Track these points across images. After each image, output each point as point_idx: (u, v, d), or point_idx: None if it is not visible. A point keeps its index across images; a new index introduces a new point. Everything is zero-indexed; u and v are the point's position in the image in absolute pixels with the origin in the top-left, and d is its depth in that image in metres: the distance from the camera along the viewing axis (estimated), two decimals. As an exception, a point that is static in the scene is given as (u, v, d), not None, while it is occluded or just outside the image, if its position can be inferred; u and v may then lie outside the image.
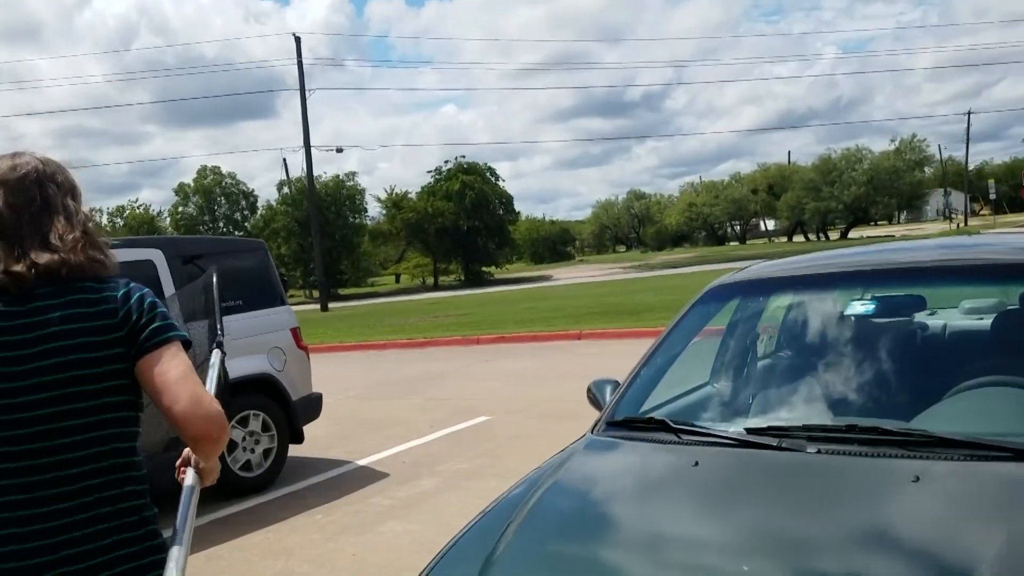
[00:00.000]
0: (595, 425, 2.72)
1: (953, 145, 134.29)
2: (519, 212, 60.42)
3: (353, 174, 54.84)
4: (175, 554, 1.49)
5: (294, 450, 6.47)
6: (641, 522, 2.05)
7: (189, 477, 1.66)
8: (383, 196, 54.92)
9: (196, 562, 4.65)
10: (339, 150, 37.51)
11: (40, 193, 1.61)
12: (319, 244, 36.00)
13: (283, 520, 5.29)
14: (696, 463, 2.16)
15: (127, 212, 63.56)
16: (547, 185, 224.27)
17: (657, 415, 2.57)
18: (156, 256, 5.45)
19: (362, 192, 54.97)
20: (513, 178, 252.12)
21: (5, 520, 1.50)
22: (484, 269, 55.39)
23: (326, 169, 73.32)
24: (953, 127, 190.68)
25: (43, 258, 1.55)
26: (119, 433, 1.60)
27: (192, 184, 62.88)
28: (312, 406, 6.64)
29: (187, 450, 1.67)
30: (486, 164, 55.05)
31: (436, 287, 51.92)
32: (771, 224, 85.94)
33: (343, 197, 53.88)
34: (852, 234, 69.84)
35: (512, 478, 5.60)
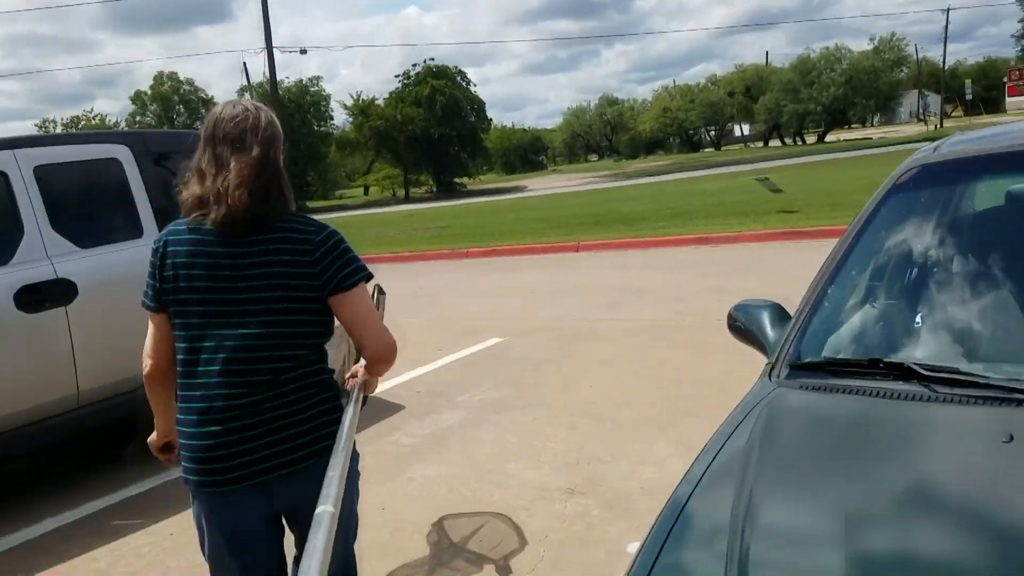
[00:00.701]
0: (773, 368, 1.95)
1: (925, 45, 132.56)
2: (491, 119, 58.70)
3: (318, 79, 52.46)
4: (337, 460, 1.71)
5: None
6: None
7: (356, 387, 2.07)
8: (349, 103, 52.90)
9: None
10: (303, 51, 35.46)
11: (249, 141, 1.91)
12: (286, 153, 34.42)
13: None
14: (1010, 438, 1.40)
15: (82, 123, 60.66)
16: (514, 91, 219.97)
17: (881, 356, 1.80)
18: (122, 153, 4.50)
19: (327, 98, 52.84)
20: (480, 85, 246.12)
21: (239, 405, 1.87)
22: (456, 180, 53.94)
23: (288, 74, 70.11)
24: (924, 27, 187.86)
25: (241, 201, 1.84)
26: (313, 343, 1.96)
27: (149, 92, 59.92)
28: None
29: (357, 365, 2.11)
30: (456, 67, 52.99)
31: (407, 199, 50.65)
32: (746, 129, 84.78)
33: (308, 104, 51.82)
34: (828, 138, 69.08)
35: (547, 409, 4.93)
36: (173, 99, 60.78)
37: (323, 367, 2.01)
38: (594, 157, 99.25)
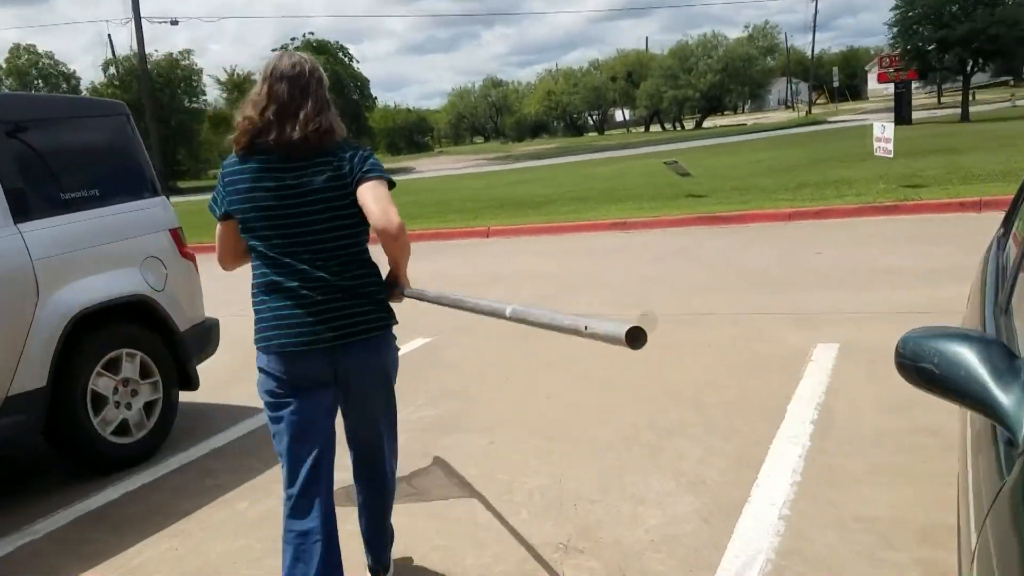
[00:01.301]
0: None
1: (790, 35, 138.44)
2: (375, 97, 56.94)
3: (188, 52, 49.01)
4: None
5: (186, 399, 4.69)
6: None
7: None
8: (223, 78, 50.00)
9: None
10: (174, 22, 33.07)
11: (311, 86, 2.38)
12: (156, 131, 31.91)
13: (189, 515, 3.58)
14: None
15: (-82, 96, 54.66)
16: (394, 71, 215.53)
17: None
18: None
19: (199, 73, 49.62)
20: (359, 63, 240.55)
21: (308, 286, 2.36)
22: (340, 160, 51.93)
23: (156, 48, 65.65)
24: (787, 17, 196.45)
25: (305, 131, 2.32)
26: (361, 234, 2.44)
27: (4, 66, 54.66)
28: (206, 337, 4.84)
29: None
30: (338, 42, 51.02)
31: (289, 179, 48.35)
32: (628, 114, 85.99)
33: (178, 78, 48.44)
34: (706, 124, 70.94)
35: (506, 430, 4.09)
36: (31, 73, 55.68)
37: (370, 259, 2.48)
38: (480, 139, 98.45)
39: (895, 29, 35.52)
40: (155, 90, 43.43)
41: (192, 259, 4.79)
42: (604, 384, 4.64)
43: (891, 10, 35.49)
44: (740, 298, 6.27)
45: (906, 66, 35.80)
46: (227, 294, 9.74)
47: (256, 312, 2.44)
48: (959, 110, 34.32)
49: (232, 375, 5.68)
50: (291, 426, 2.42)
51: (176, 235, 4.68)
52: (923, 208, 9.52)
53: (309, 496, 2.42)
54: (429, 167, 49.39)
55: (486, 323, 6.60)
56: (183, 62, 48.76)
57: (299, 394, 2.41)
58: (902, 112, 35.02)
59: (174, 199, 36.35)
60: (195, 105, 51.30)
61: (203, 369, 4.77)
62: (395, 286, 2.56)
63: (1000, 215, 3.02)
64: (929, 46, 33.92)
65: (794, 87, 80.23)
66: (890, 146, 11.07)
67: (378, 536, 2.77)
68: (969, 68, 34.54)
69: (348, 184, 2.35)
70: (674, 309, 6.14)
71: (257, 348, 2.43)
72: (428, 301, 2.46)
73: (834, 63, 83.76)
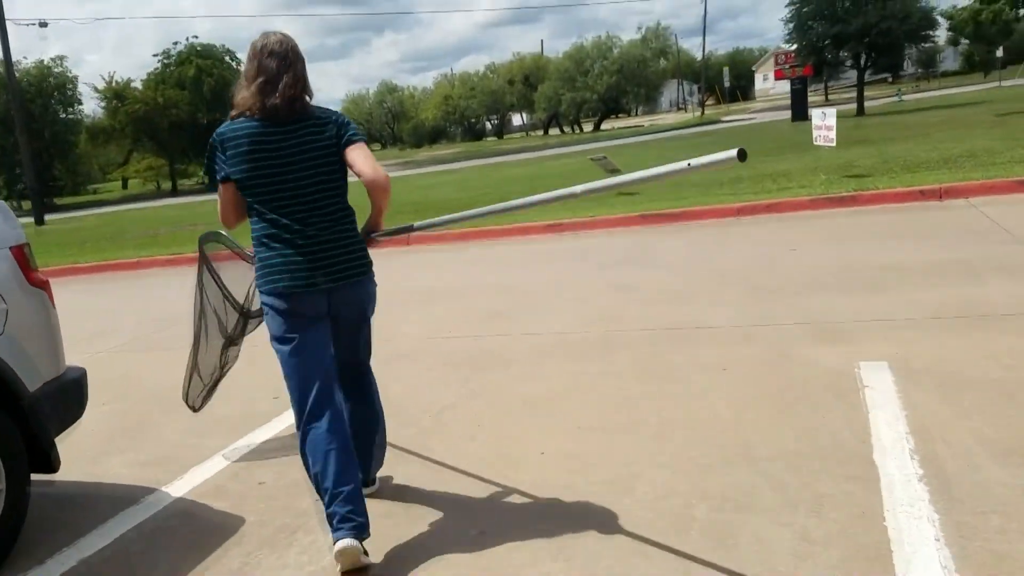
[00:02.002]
0: None
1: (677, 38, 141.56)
2: (268, 104, 54.59)
3: (61, 59, 45.73)
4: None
5: (40, 481, 3.39)
6: None
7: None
8: (101, 86, 46.67)
9: None
10: (43, 24, 30.10)
11: (294, 59, 2.76)
12: (27, 144, 29.08)
13: None
14: None
15: None
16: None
17: None
18: None
19: (74, 80, 46.17)
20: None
21: (304, 237, 2.73)
22: (232, 169, 49.41)
23: (25, 56, 60.94)
24: (671, 21, 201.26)
25: (285, 96, 2.70)
26: (343, 190, 2.85)
27: None
28: (69, 396, 3.51)
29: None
30: (224, 46, 48.47)
31: (175, 192, 45.70)
32: (526, 118, 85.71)
33: (50, 87, 44.90)
34: (603, 126, 71.34)
35: (497, 515, 3.02)
36: None
37: (351, 209, 2.90)
38: (377, 146, 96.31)
39: (791, 25, 36.14)
40: (25, 100, 40.10)
41: (45, 288, 3.46)
42: (608, 430, 3.59)
43: (786, 6, 36.05)
44: (735, 307, 5.34)
45: (802, 62, 36.48)
46: (98, 321, 8.35)
47: (260, 260, 2.79)
48: (850, 106, 35.09)
49: (111, 439, 4.37)
50: (298, 353, 2.79)
51: (20, 255, 3.36)
52: (882, 199, 8.93)
53: (321, 408, 2.77)
54: (328, 175, 47.58)
55: (433, 348, 5.54)
56: (56, 69, 45.30)
57: (303, 326, 2.79)
58: (799, 109, 35.66)
59: (51, 216, 33.61)
60: (71, 115, 47.80)
61: (66, 441, 3.47)
62: (371, 232, 2.98)
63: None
64: (824, 41, 34.59)
65: (691, 87, 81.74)
66: (832, 134, 10.53)
67: (367, 451, 3.10)
68: (863, 63, 35.46)
69: (334, 145, 2.77)
70: (660, 321, 5.18)
71: (261, 292, 2.82)
72: (409, 232, 3.18)
73: (722, 65, 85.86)
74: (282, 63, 2.71)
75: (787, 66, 37.72)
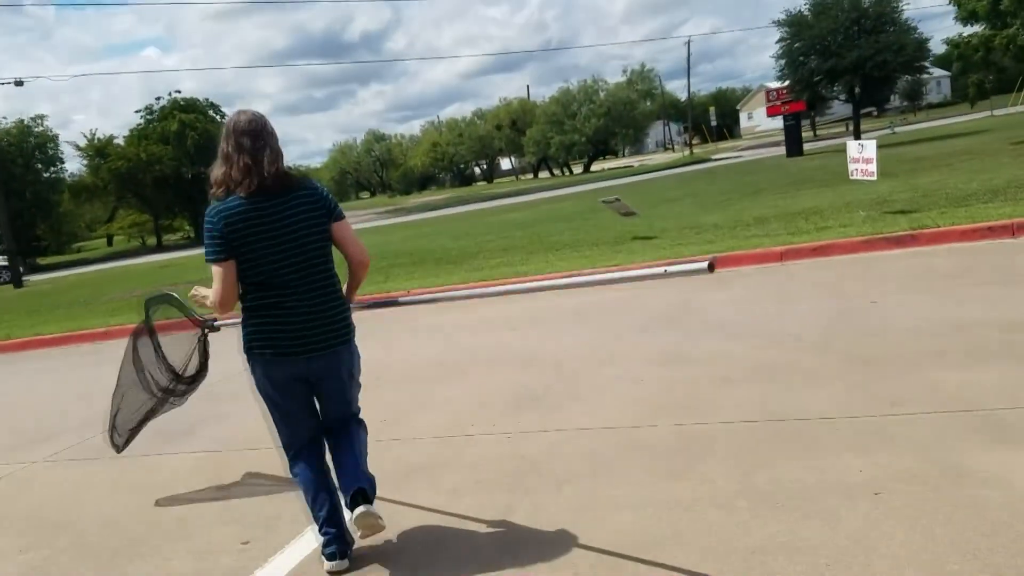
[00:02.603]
0: None
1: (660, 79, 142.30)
2: (253, 156, 53.79)
3: (41, 117, 44.59)
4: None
5: None
6: None
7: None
8: (83, 143, 45.77)
9: None
10: (18, 83, 29.17)
11: (267, 135, 2.88)
12: (5, 206, 27.93)
13: None
14: None
15: None
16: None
17: None
18: None
19: (55, 139, 45.24)
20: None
21: (291, 300, 2.86)
22: (218, 223, 48.41)
23: (4, 115, 60.12)
24: (651, 65, 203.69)
25: (271, 172, 2.81)
26: (329, 259, 2.94)
27: None
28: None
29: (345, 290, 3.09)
30: (207, 100, 47.80)
31: (160, 247, 44.65)
32: (515, 162, 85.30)
33: (31, 147, 43.90)
34: (593, 167, 70.89)
35: None
36: None
37: (337, 278, 3.01)
38: (365, 195, 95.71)
39: (782, 61, 35.69)
40: (5, 161, 39.15)
41: None
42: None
43: (776, 43, 35.73)
44: (841, 387, 4.15)
45: (795, 97, 35.96)
46: (44, 413, 6.71)
47: (250, 327, 2.94)
48: (845, 140, 34.45)
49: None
50: (283, 414, 3.05)
51: None
52: (945, 237, 7.86)
53: (304, 456, 3.08)
54: (316, 226, 46.54)
55: (450, 455, 3.14)
56: (36, 129, 44.33)
57: (286, 388, 2.98)
58: (793, 144, 35.05)
59: (33, 277, 32.26)
60: (54, 174, 46.75)
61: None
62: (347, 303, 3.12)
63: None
64: (816, 76, 34.08)
65: (680, 127, 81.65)
66: (872, 167, 9.50)
67: (355, 477, 3.02)
68: (856, 97, 34.94)
69: (324, 217, 2.91)
70: (748, 410, 4.02)
71: (249, 356, 2.96)
72: (395, 305, 3.80)
73: (706, 104, 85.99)
74: (257, 140, 2.83)
75: (780, 102, 37.24)
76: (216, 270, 2.81)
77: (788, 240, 8.75)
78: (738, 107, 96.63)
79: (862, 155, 9.75)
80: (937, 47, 32.47)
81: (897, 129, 42.77)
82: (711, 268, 2.36)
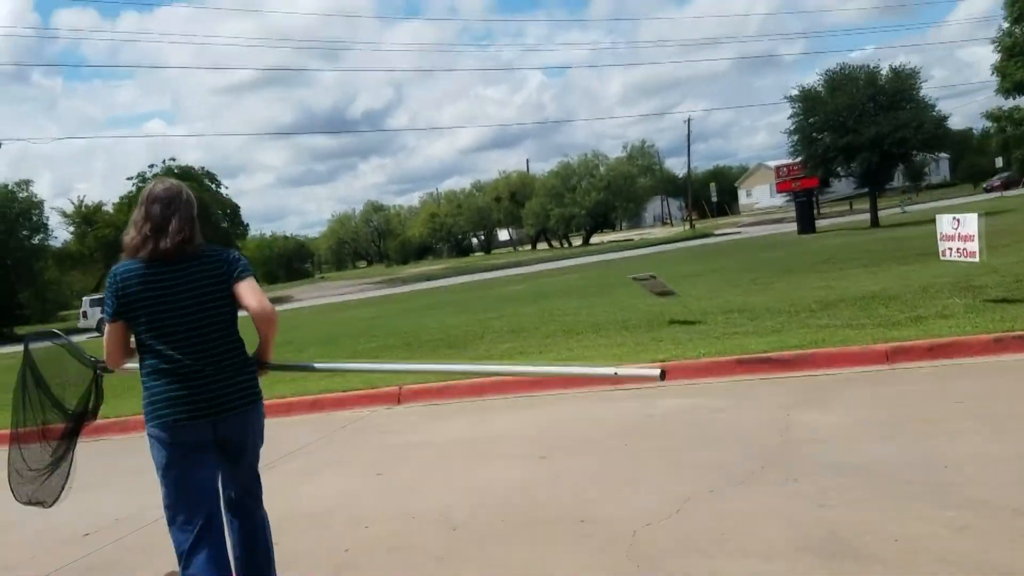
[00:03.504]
0: None
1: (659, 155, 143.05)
2: (247, 224, 52.21)
3: (27, 183, 42.93)
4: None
5: None
6: None
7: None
8: (69, 210, 44.25)
9: None
10: (-6, 143, 27.53)
11: (179, 204, 2.94)
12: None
13: None
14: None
15: None
16: (272, 203, 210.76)
17: None
18: None
19: (40, 205, 43.58)
20: (235, 196, 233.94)
21: (189, 369, 2.87)
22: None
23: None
24: (648, 143, 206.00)
25: (174, 241, 2.87)
26: (230, 323, 2.99)
27: None
28: None
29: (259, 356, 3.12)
30: (203, 168, 46.57)
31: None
32: (513, 233, 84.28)
33: (14, 212, 42.21)
34: (593, 239, 69.73)
35: None
36: None
37: (241, 341, 3.03)
38: (362, 264, 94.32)
39: (795, 137, 34.54)
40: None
41: None
42: None
43: (788, 118, 34.63)
44: None
45: (809, 173, 34.71)
46: None
47: (147, 393, 2.90)
48: (847, 219, 33.15)
49: None
50: (181, 486, 2.90)
51: None
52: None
53: (201, 544, 2.88)
54: (309, 295, 44.71)
55: None
56: (21, 194, 42.73)
57: (185, 456, 2.89)
58: (805, 222, 33.66)
59: (11, 348, 30.57)
60: (40, 241, 44.98)
61: None
62: (261, 362, 3.11)
63: None
64: (831, 153, 32.86)
65: (680, 202, 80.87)
66: (974, 246, 7.74)
67: (253, 556, 3.10)
68: (870, 174, 33.65)
69: (223, 281, 2.94)
70: None
71: (147, 423, 2.91)
72: (310, 371, 3.41)
73: (703, 181, 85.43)
74: (167, 208, 2.90)
75: (791, 178, 35.93)
76: (107, 327, 2.95)
77: (885, 335, 6.92)
78: (736, 184, 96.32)
79: (958, 231, 8.01)
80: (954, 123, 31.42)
81: (907, 208, 41.62)
82: (663, 376, 2.41)
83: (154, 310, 2.82)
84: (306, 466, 5.80)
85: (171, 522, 2.90)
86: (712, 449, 4.85)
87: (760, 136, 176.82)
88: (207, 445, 2.90)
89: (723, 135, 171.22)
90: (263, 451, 3.19)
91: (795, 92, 34.34)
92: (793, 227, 34.98)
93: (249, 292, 2.91)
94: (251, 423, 3.02)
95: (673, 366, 6.80)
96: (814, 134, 33.73)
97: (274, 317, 2.94)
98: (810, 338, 7.24)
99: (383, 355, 10.70)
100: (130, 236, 2.90)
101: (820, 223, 37.93)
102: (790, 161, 36.94)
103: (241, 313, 2.97)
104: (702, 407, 5.92)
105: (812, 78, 34.36)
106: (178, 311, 2.84)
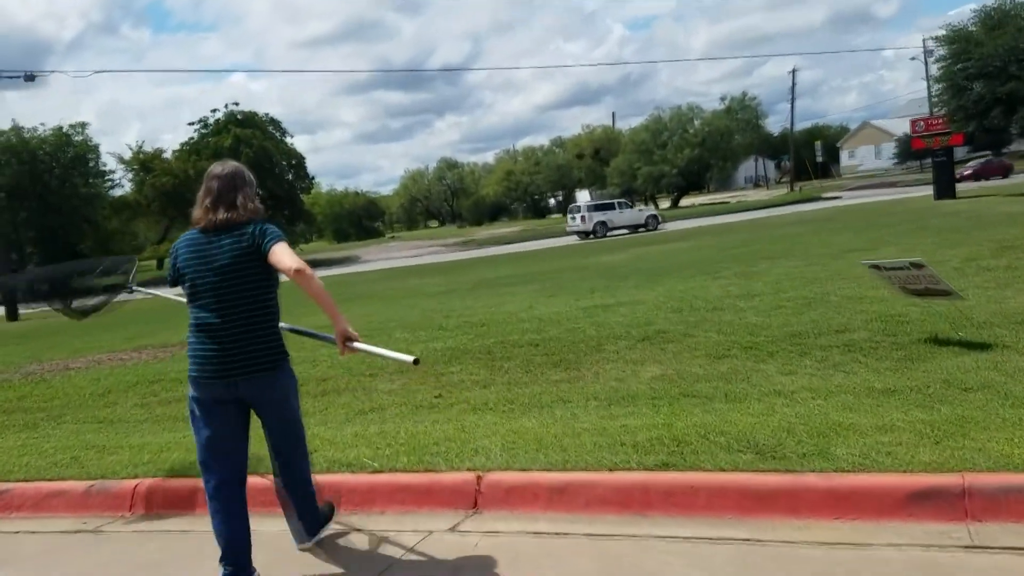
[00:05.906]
0: None
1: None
2: (314, 177, 49.11)
3: (83, 125, 40.36)
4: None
5: None
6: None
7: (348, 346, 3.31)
8: (128, 156, 41.79)
9: None
10: (29, 77, 24.80)
11: (233, 183, 3.31)
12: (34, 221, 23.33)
13: None
14: None
15: None
16: (347, 160, 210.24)
17: None
18: None
19: (96, 149, 41.05)
20: (311, 152, 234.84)
21: (217, 330, 3.19)
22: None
23: (42, 121, 54.73)
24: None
25: (226, 216, 3.25)
26: (260, 290, 3.24)
27: None
28: None
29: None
30: (268, 115, 43.37)
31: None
32: (595, 194, 79.63)
33: (68, 157, 39.76)
34: (684, 202, 64.76)
35: None
36: None
37: (274, 310, 3.31)
38: (434, 223, 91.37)
39: (941, 85, 29.17)
40: (38, 172, 35.13)
41: None
42: None
43: (935, 62, 29.30)
44: None
45: (957, 129, 29.28)
46: None
47: (189, 346, 3.30)
48: (992, 182, 27.65)
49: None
50: (205, 438, 3.26)
51: None
52: None
53: (219, 494, 3.27)
54: (377, 255, 41.50)
55: None
56: (76, 137, 40.21)
57: (209, 411, 3.25)
58: (944, 185, 28.35)
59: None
60: (93, 188, 42.52)
61: None
62: (346, 338, 3.27)
63: None
64: (983, 105, 27.45)
65: (779, 163, 74.74)
66: None
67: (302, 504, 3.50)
68: (1032, 128, 28.18)
69: (250, 252, 3.21)
70: None
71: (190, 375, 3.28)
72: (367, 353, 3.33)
73: (803, 141, 78.77)
74: (225, 186, 3.30)
75: (933, 134, 30.44)
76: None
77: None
78: (838, 144, 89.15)
79: None
80: None
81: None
82: (416, 363, 3.19)
83: (193, 274, 3.25)
84: None
85: (199, 465, 3.32)
86: None
87: (849, 96, 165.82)
88: (229, 403, 3.24)
89: (811, 95, 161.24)
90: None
91: (941, 32, 28.86)
92: (916, 191, 29.59)
93: (278, 257, 3.16)
94: (270, 386, 3.25)
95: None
96: (964, 82, 28.29)
97: (303, 270, 3.10)
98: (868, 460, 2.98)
99: (455, 363, 6.88)
100: (194, 209, 3.34)
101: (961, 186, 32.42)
102: (926, 115, 31.48)
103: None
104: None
105: (962, 16, 28.63)
106: (210, 276, 3.21)
